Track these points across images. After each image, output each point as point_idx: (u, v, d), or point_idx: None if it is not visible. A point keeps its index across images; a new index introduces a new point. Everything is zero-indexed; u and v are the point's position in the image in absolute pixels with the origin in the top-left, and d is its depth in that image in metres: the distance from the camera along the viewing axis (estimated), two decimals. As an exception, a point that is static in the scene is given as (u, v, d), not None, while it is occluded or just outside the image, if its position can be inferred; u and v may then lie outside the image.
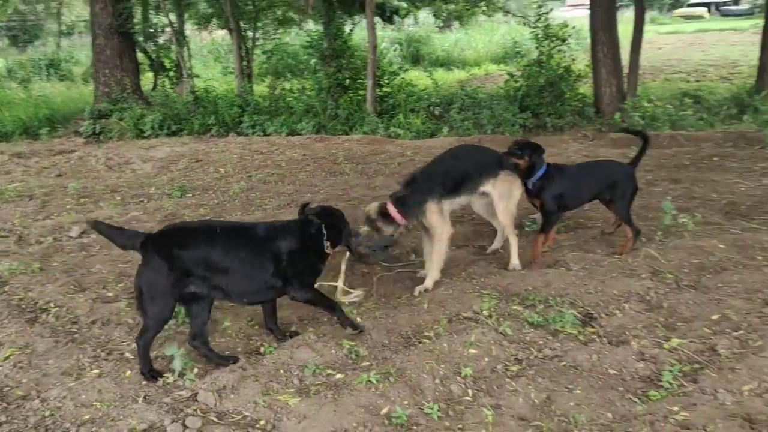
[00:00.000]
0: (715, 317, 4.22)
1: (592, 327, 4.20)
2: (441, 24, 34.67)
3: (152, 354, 3.95)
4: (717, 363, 3.62)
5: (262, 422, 3.36)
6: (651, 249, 5.39)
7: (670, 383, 3.47)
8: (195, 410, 3.47)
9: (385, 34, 29.03)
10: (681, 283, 4.81)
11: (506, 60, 23.70)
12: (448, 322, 4.40)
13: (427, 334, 4.25)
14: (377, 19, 32.20)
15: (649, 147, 6.12)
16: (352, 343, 4.10)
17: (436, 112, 12.51)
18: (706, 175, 7.95)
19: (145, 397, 3.60)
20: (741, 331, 4.00)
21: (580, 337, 4.04)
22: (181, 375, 3.77)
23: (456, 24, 34.33)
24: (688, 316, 4.27)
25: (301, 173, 9.47)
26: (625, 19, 18.91)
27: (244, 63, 14.61)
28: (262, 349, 4.15)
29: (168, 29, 15.37)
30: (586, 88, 12.77)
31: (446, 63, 26.37)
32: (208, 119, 13.25)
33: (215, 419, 3.40)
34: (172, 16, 14.89)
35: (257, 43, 15.04)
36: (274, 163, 10.19)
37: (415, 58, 27.24)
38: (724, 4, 77.83)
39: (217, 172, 9.82)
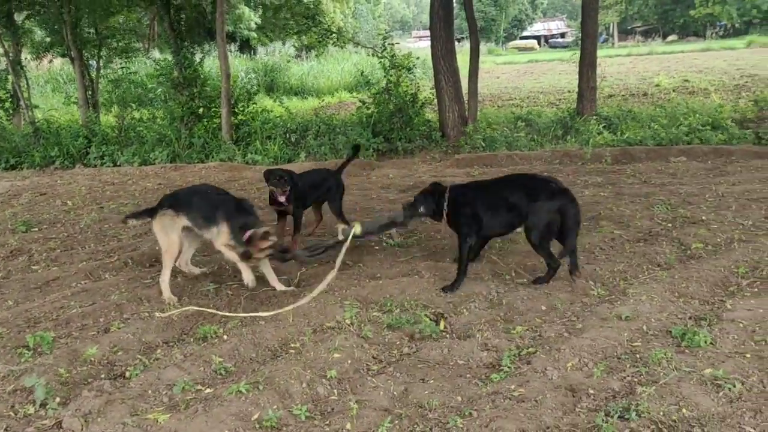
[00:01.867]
0: (543, 308, 4.84)
1: (443, 325, 4.65)
2: (295, 54, 35.16)
3: (10, 387, 3.85)
4: (546, 346, 4.18)
5: (132, 441, 3.40)
6: (493, 255, 6.01)
7: (509, 366, 3.97)
8: (60, 438, 3.43)
9: (240, 63, 28.98)
10: (516, 281, 5.42)
11: (358, 88, 24.57)
12: (313, 332, 4.65)
13: (293, 345, 4.47)
14: (231, 48, 32.08)
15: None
16: (220, 359, 4.23)
17: (293, 139, 12.79)
18: (538, 189, 8.88)
19: (6, 429, 3.50)
20: (565, 319, 4.63)
21: (433, 335, 4.46)
22: (44, 405, 3.70)
23: (311, 53, 34.96)
24: (523, 309, 4.85)
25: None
26: (464, 50, 20.44)
27: (89, 92, 14.03)
28: (127, 373, 4.15)
29: (2, 58, 14.41)
30: (432, 114, 13.68)
31: (300, 92, 26.82)
32: (51, 151, 12.62)
33: (83, 444, 3.39)
34: (7, 44, 13.98)
35: (102, 72, 14.50)
36: (127, 194, 9.92)
37: (270, 86, 27.42)
38: (552, 37, 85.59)
39: (64, 204, 9.39)
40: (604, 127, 11.90)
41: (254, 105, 13.83)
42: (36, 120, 13.54)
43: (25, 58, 15.29)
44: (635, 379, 3.74)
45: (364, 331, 4.52)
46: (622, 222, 7.02)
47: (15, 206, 9.50)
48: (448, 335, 4.52)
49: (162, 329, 4.80)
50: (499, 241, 6.36)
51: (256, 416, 3.55)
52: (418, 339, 4.47)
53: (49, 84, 24.46)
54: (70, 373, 4.10)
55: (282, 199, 6.27)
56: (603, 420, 3.33)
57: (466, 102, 12.88)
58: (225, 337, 4.61)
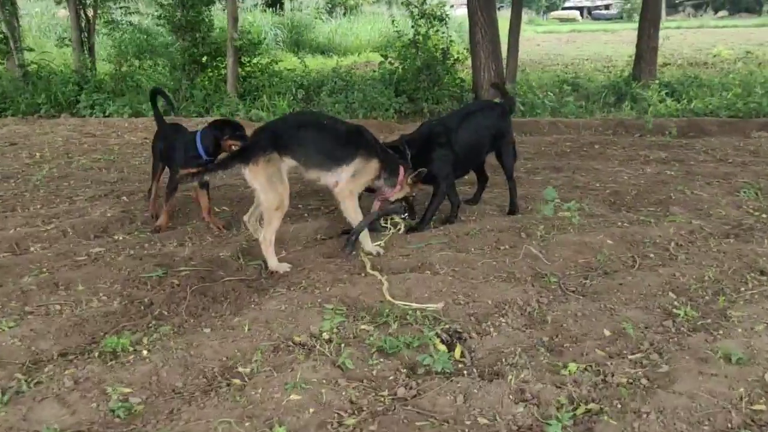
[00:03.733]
0: (608, 333, 3.35)
1: (460, 353, 3.19)
2: (326, 10, 33.38)
3: None
4: (617, 403, 2.70)
5: None
6: (532, 246, 4.51)
7: (559, 437, 2.51)
8: None
9: (267, 18, 27.39)
10: (567, 288, 3.94)
11: (387, 49, 22.85)
12: (273, 351, 3.24)
13: (240, 369, 3.07)
14: (260, 2, 30.44)
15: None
16: (126, 390, 2.85)
17: (299, 95, 11.29)
18: (588, 163, 7.31)
19: None
20: (640, 353, 3.14)
21: (444, 370, 3.01)
22: None
23: (340, 11, 33.16)
24: (577, 333, 3.37)
25: (136, 159, 7.98)
26: (503, 17, 18.60)
27: (84, 35, 12.65)
28: (-16, 407, 2.79)
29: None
30: (465, 73, 12.06)
31: (327, 50, 25.19)
32: (38, 98, 11.30)
33: None
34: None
35: (99, 12, 13.04)
36: (105, 148, 8.59)
37: (296, 44, 25.84)
38: (596, 8, 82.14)
39: (31, 157, 8.09)
40: (666, 94, 10.14)
41: (263, 56, 12.33)
42: (26, 63, 12.23)
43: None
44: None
45: (344, 356, 3.08)
46: (701, 210, 5.45)
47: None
48: (465, 370, 3.06)
49: (67, 332, 3.43)
50: (542, 229, 4.85)
51: None
52: (421, 374, 3.02)
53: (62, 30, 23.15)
54: None
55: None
56: None
57: (505, 61, 11.23)
58: (145, 352, 3.21)
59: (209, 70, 11.92)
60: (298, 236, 4.95)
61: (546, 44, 29.10)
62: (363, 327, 3.44)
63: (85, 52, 12.56)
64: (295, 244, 4.85)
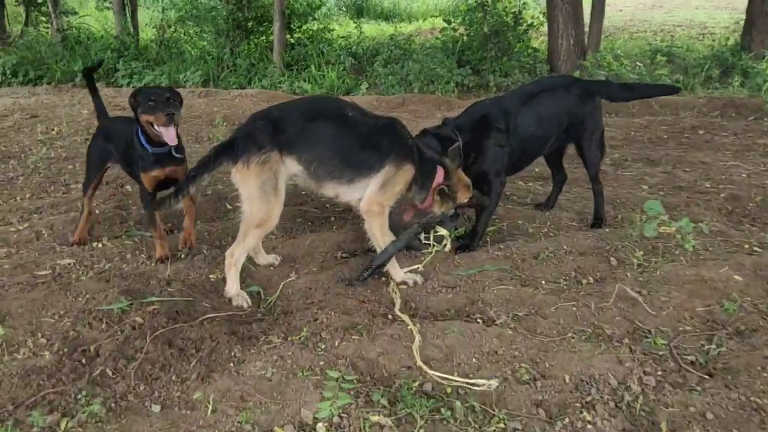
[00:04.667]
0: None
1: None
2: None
3: None
4: None
5: None
6: (626, 284, 3.26)
7: None
8: None
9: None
10: (683, 358, 2.68)
11: (452, 13, 21.31)
12: (239, 453, 2.18)
13: (182, 490, 2.02)
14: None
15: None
16: None
17: (349, 65, 10.12)
18: (692, 155, 5.88)
19: None
20: None
21: None
22: None
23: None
24: (709, 454, 2.14)
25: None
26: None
27: (127, -4, 11.86)
28: None
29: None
30: (540, 41, 10.60)
31: (391, 16, 23.81)
32: (75, 65, 10.59)
33: None
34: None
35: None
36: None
37: (359, 9, 24.55)
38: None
39: (47, 132, 7.30)
40: (786, 68, 8.42)
41: (316, 22, 11.23)
42: (65, 28, 11.55)
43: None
44: None
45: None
46: None
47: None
48: None
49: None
50: (640, 255, 3.57)
51: None
52: None
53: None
54: None
55: (171, 134, 3.48)
56: None
57: (587, 27, 9.71)
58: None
59: (255, 36, 10.92)
60: (315, 252, 3.85)
61: (629, 9, 26.72)
62: (374, 418, 2.32)
63: (127, 16, 11.76)
64: (309, 262, 3.74)
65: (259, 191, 3.11)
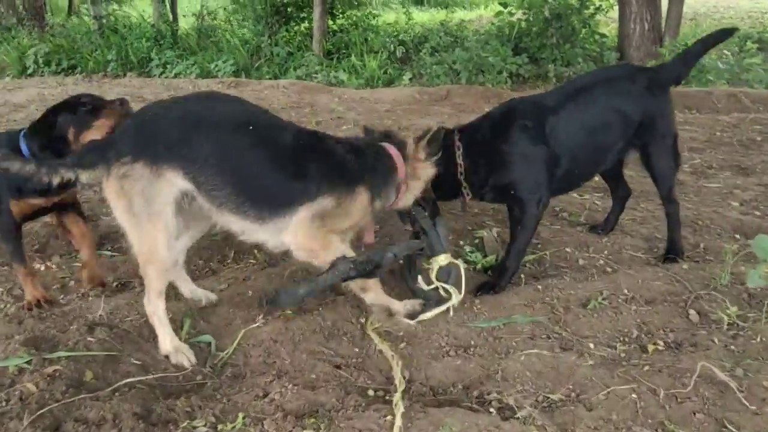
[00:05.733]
0: None
1: None
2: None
3: None
4: None
5: None
6: (713, 357, 2.28)
7: None
8: None
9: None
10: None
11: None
12: None
13: None
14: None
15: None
16: None
17: (395, 52, 9.23)
18: (796, 162, 4.73)
19: None
20: None
21: None
22: None
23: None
24: None
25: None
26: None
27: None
28: None
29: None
30: (609, 27, 9.44)
31: (453, 3, 22.74)
32: (108, 54, 10.13)
33: None
34: None
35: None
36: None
37: (420, -4, 23.59)
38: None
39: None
40: None
41: (361, 8, 10.42)
42: (103, 15, 11.14)
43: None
44: None
45: None
46: None
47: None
48: None
49: None
50: (734, 311, 2.56)
51: None
52: None
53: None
54: None
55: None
56: None
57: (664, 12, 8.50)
58: None
59: (295, 22, 10.18)
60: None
61: (711, -5, 24.70)
62: None
63: (166, 4, 11.26)
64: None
65: (126, 215, 2.36)
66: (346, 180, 2.49)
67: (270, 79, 8.97)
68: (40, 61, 10.23)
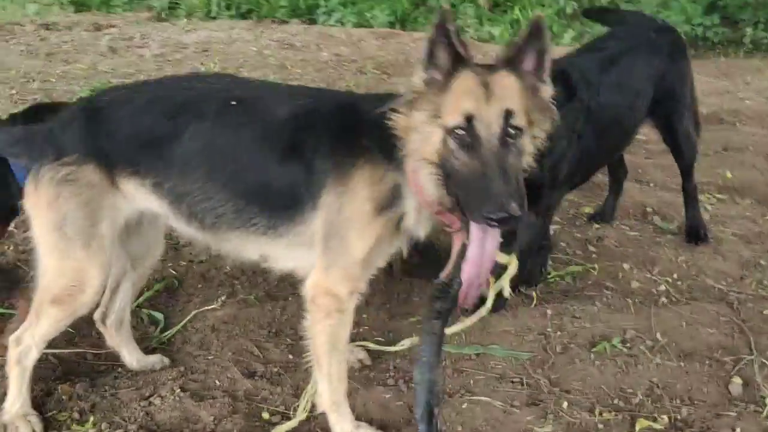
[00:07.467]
0: None
1: None
2: None
3: None
4: None
5: None
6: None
7: None
8: None
9: None
10: None
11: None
12: None
13: None
14: None
15: None
16: None
17: (568, 9, 8.25)
18: None
19: None
20: None
21: None
22: None
23: None
24: None
25: (292, 82, 6.36)
26: None
27: None
28: None
29: None
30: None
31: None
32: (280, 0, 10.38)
33: None
34: None
35: None
36: (279, 65, 7.14)
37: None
38: None
39: (194, 70, 7.07)
40: None
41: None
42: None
43: None
44: None
45: None
46: None
47: (160, 63, 7.50)
48: None
49: None
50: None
51: None
52: None
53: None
54: None
55: None
56: None
57: None
58: None
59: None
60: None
61: None
62: None
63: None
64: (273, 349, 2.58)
65: (51, 234, 1.78)
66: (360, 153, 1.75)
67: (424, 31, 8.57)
68: (222, 4, 10.78)
